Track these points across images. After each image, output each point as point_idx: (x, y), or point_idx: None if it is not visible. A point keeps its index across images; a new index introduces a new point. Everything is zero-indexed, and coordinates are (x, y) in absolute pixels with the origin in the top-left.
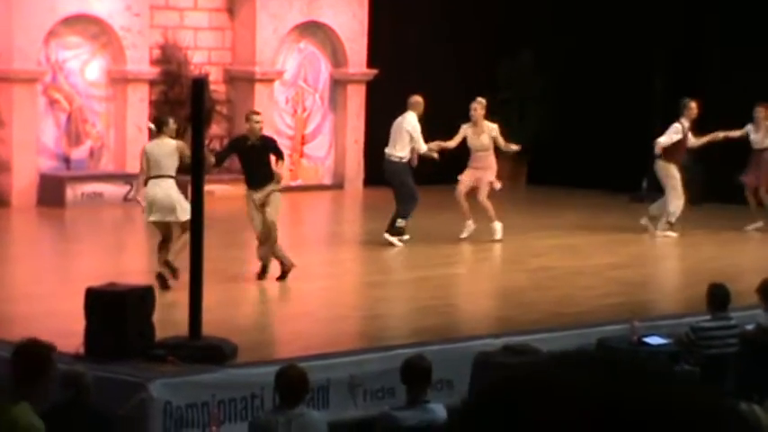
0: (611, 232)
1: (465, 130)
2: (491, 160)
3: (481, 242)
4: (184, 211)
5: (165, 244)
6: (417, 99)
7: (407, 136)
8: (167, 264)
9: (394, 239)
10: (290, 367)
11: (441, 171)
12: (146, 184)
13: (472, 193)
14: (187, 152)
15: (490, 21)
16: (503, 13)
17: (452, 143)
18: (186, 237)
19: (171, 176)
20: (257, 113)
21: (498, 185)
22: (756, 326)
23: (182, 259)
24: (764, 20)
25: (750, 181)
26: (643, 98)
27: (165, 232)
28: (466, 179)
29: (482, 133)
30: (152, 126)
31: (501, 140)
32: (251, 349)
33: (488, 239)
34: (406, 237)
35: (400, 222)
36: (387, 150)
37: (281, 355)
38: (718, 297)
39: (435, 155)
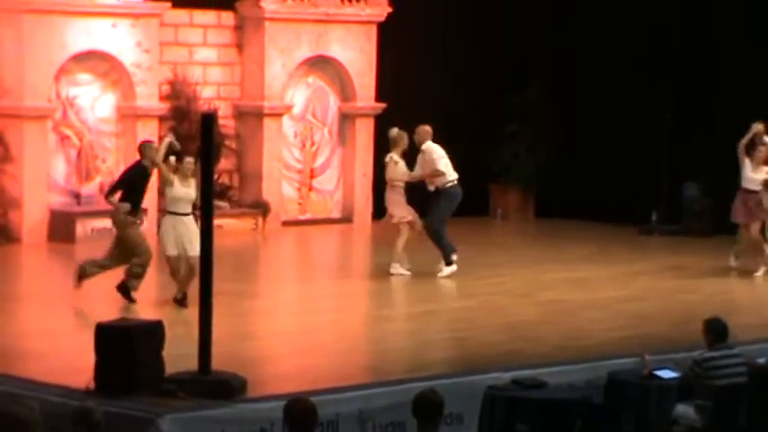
0: (620, 265)
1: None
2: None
3: (490, 276)
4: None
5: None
6: (426, 128)
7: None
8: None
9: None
10: (299, 399)
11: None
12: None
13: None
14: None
15: (498, 53)
16: (510, 46)
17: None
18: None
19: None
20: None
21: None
22: None
23: (190, 294)
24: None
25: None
26: (651, 130)
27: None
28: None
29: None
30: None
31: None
32: (260, 383)
33: (489, 274)
34: (407, 272)
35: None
36: (451, 178)
37: (290, 390)
38: (716, 329)
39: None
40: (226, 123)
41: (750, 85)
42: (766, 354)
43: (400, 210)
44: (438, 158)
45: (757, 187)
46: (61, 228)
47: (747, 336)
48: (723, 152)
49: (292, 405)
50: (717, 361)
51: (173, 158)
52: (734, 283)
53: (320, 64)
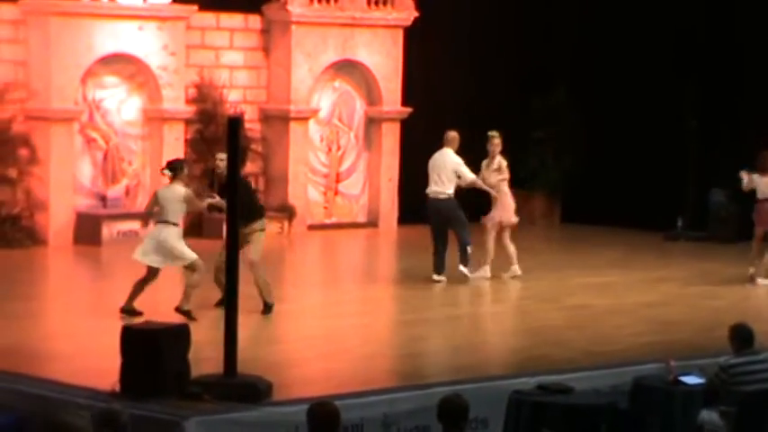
0: (646, 271)
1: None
2: (499, 198)
3: (515, 280)
4: (183, 257)
5: (144, 284)
6: (453, 135)
7: (452, 172)
8: (180, 310)
9: (465, 270)
10: (322, 403)
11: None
12: (154, 224)
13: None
14: (196, 202)
15: (523, 57)
16: (535, 50)
17: (481, 183)
18: (197, 276)
19: (175, 224)
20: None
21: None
22: None
23: (215, 298)
24: None
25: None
26: (677, 136)
27: (151, 273)
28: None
29: (491, 166)
30: (167, 172)
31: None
32: (286, 387)
33: (516, 279)
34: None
35: (470, 249)
36: (434, 188)
37: (315, 393)
38: (742, 335)
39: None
40: (252, 127)
41: None
42: None
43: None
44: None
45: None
46: (87, 230)
47: None
48: (749, 158)
49: (315, 408)
50: (743, 367)
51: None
52: (759, 289)
53: (347, 68)
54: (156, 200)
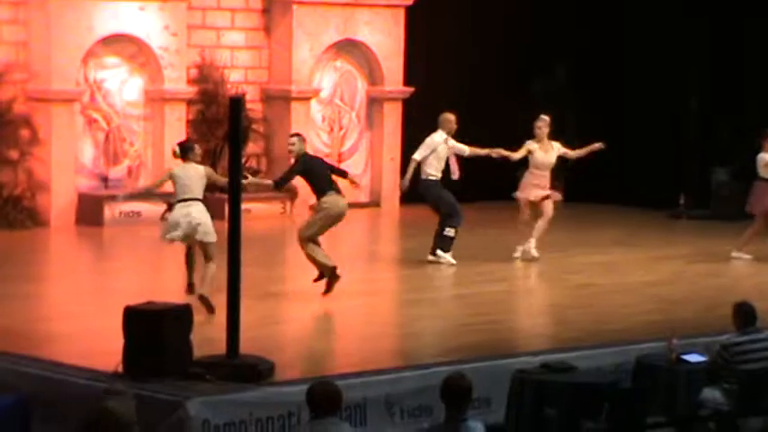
0: (649, 249)
1: (530, 145)
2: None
3: (519, 260)
4: (212, 233)
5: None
6: (446, 116)
7: (430, 154)
8: (203, 299)
9: (447, 256)
10: (322, 383)
11: (475, 188)
12: (171, 207)
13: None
14: (215, 177)
15: (526, 36)
16: (538, 29)
17: (517, 155)
18: (213, 266)
19: (200, 200)
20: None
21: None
22: None
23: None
24: None
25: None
26: (679, 115)
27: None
28: (529, 198)
29: (550, 150)
30: (177, 151)
31: (570, 152)
32: (288, 367)
33: (526, 258)
34: (453, 261)
35: (449, 231)
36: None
37: (317, 373)
38: (746, 314)
39: (495, 154)
40: (253, 107)
41: None
42: None
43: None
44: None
45: None
46: (89, 211)
47: None
48: (752, 136)
49: (316, 388)
50: (745, 345)
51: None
52: (762, 267)
53: (348, 48)
54: (172, 179)
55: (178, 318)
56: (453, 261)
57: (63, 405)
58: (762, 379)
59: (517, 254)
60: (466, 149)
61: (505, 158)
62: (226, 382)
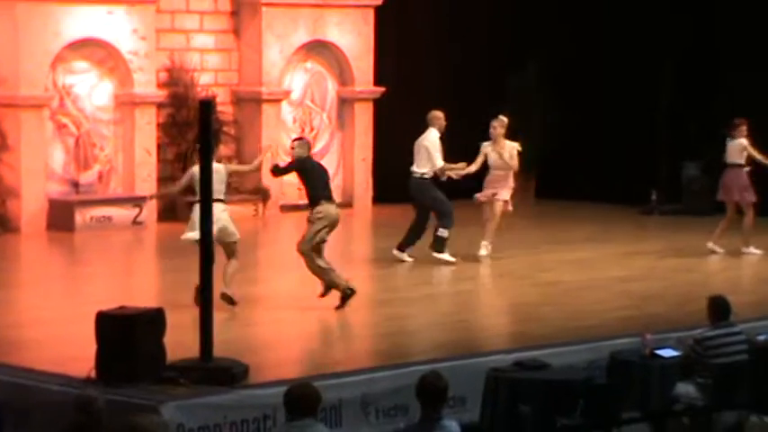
0: (621, 245)
1: (485, 148)
2: (509, 180)
3: (490, 258)
4: (235, 234)
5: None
6: (436, 114)
7: (425, 152)
8: (225, 296)
9: (445, 255)
10: (299, 385)
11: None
12: (192, 206)
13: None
14: (238, 168)
15: (497, 35)
16: (509, 27)
17: (474, 167)
18: (235, 263)
19: (220, 199)
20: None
21: (510, 208)
22: None
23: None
24: None
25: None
26: (650, 110)
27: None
28: (480, 199)
29: (503, 151)
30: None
31: (516, 161)
32: (262, 369)
33: (498, 256)
34: (452, 258)
35: (442, 232)
36: (412, 168)
37: (292, 375)
38: (720, 307)
39: (455, 175)
40: (224, 110)
41: (749, 63)
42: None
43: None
44: None
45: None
46: (60, 217)
47: (748, 314)
48: (721, 131)
49: (294, 390)
50: (718, 339)
51: None
52: (734, 261)
53: (318, 48)
54: (193, 179)
55: (151, 322)
56: (453, 259)
57: (36, 412)
58: (735, 373)
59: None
60: (439, 163)
61: (464, 177)
62: (200, 386)
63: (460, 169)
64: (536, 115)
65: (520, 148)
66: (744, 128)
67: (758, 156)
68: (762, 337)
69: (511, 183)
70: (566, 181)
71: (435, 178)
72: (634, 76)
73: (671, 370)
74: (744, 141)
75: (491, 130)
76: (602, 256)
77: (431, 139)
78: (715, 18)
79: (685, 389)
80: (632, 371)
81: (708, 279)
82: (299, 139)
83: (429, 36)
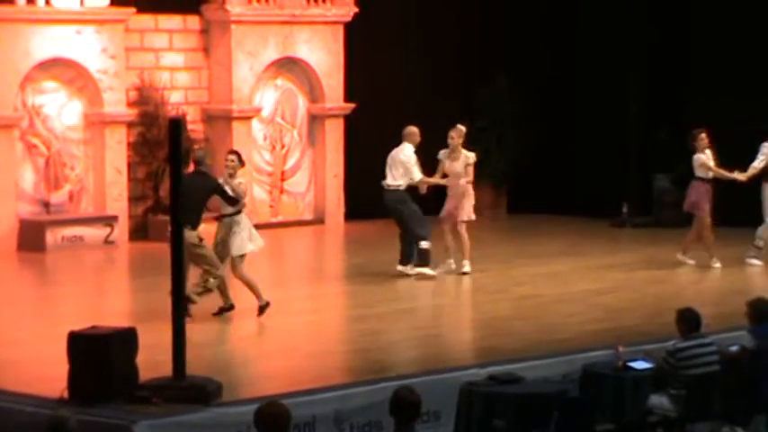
0: (593, 258)
1: (442, 157)
2: (468, 189)
3: (462, 272)
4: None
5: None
6: (412, 129)
7: (401, 167)
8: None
9: (428, 270)
10: (270, 404)
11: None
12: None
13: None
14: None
15: (466, 49)
16: (477, 41)
17: (437, 179)
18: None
19: (226, 215)
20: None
21: (472, 217)
22: (740, 347)
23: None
24: (739, 43)
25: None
26: (619, 122)
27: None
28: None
29: (456, 161)
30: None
31: (471, 171)
32: (236, 387)
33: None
34: (434, 272)
35: (424, 244)
36: (384, 182)
37: (266, 392)
38: (690, 320)
39: (424, 190)
40: (194, 128)
41: (718, 75)
42: (738, 342)
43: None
44: None
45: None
46: (31, 237)
47: (720, 325)
48: (692, 143)
49: (264, 410)
50: (690, 351)
51: None
52: (705, 273)
53: (288, 65)
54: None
55: (123, 341)
56: (434, 273)
57: None
58: (708, 384)
59: (442, 268)
60: (417, 176)
61: (431, 187)
62: (173, 405)
63: (424, 189)
64: (507, 129)
65: (475, 159)
66: (703, 138)
67: (717, 171)
68: (733, 348)
69: (470, 191)
70: (537, 194)
71: (409, 190)
72: (604, 89)
73: (644, 382)
74: (702, 157)
75: (449, 140)
76: (574, 269)
77: (407, 154)
78: (689, 28)
79: (659, 400)
80: (605, 383)
81: (679, 291)
82: (234, 152)
83: (399, 52)
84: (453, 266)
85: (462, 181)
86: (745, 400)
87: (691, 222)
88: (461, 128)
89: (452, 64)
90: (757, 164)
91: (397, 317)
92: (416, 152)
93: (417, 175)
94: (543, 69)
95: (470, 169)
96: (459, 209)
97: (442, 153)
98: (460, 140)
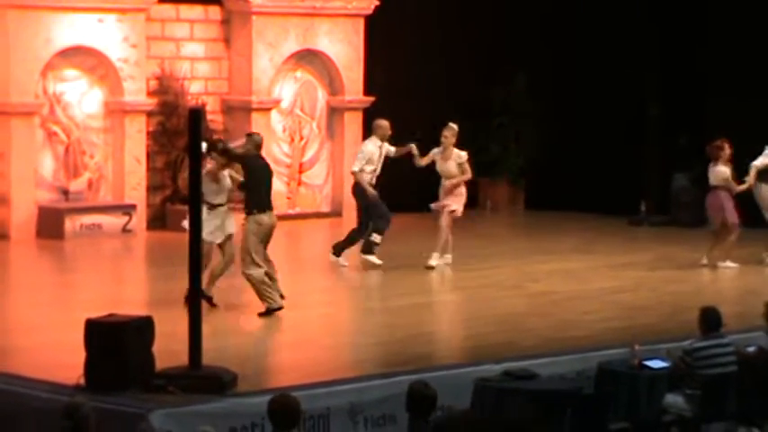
0: (610, 256)
1: (433, 154)
2: (459, 188)
3: (480, 268)
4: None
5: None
6: (380, 123)
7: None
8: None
9: (372, 258)
10: (281, 396)
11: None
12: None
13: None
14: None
15: (486, 44)
16: (498, 38)
17: (422, 162)
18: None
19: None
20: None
21: (460, 211)
22: (757, 348)
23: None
24: (757, 45)
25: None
26: (639, 121)
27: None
28: (436, 208)
29: (449, 159)
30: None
31: (467, 168)
32: (251, 378)
33: (479, 266)
34: (379, 261)
35: (376, 238)
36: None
37: (280, 384)
38: (711, 319)
39: (404, 151)
40: (214, 118)
41: (738, 77)
42: (756, 342)
43: None
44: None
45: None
46: (50, 224)
47: (737, 325)
48: (711, 143)
49: (276, 401)
50: (707, 350)
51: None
52: (723, 272)
53: (308, 58)
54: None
55: (140, 330)
56: (379, 262)
57: (24, 419)
58: (724, 384)
59: (441, 261)
60: (392, 150)
61: (410, 155)
62: (189, 394)
63: (403, 152)
64: (525, 126)
65: (467, 157)
66: (725, 151)
67: (735, 188)
68: (751, 349)
69: (461, 191)
70: (555, 191)
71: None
72: (623, 87)
73: (660, 381)
74: (727, 171)
75: (442, 139)
76: (591, 266)
77: (366, 147)
78: (699, 27)
79: (674, 400)
80: (620, 381)
81: (697, 290)
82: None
83: (419, 46)
84: (450, 261)
85: (458, 180)
86: (761, 402)
87: (707, 223)
88: (454, 127)
89: (471, 60)
90: (758, 163)
91: (413, 311)
92: (422, 145)
93: (355, 167)
94: (561, 68)
95: (466, 166)
96: (450, 202)
97: (435, 152)
98: (453, 140)
